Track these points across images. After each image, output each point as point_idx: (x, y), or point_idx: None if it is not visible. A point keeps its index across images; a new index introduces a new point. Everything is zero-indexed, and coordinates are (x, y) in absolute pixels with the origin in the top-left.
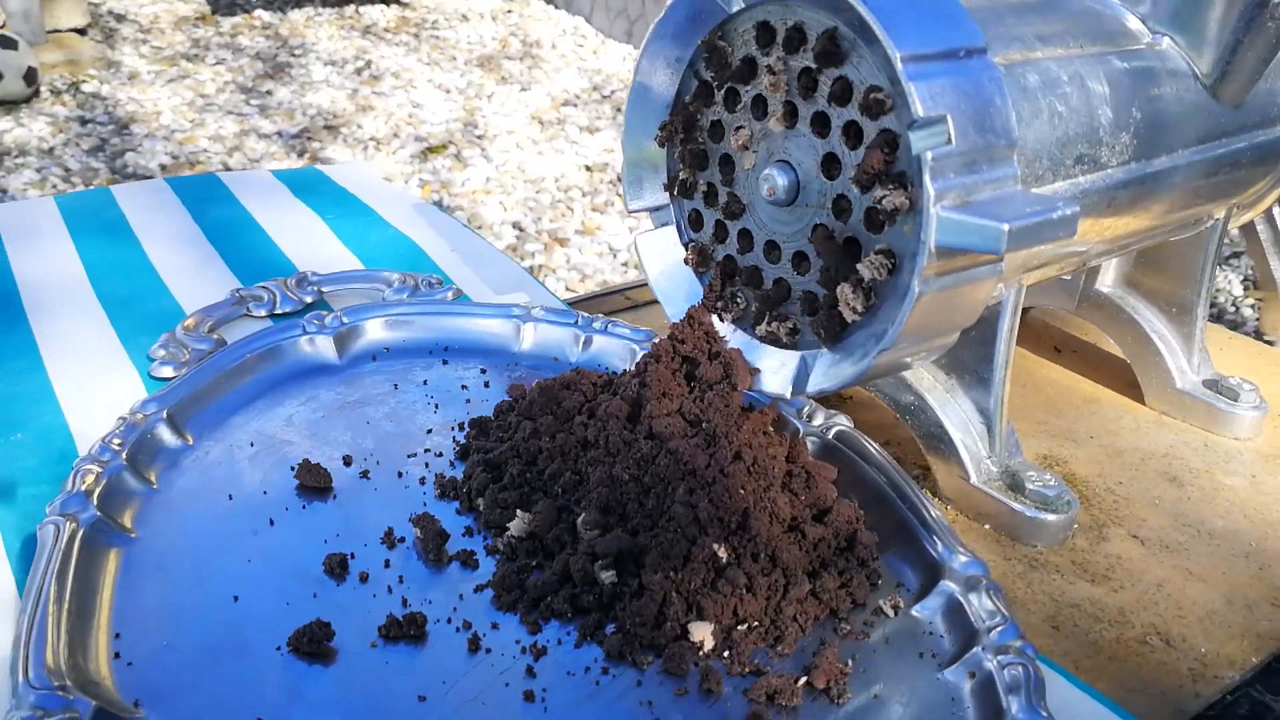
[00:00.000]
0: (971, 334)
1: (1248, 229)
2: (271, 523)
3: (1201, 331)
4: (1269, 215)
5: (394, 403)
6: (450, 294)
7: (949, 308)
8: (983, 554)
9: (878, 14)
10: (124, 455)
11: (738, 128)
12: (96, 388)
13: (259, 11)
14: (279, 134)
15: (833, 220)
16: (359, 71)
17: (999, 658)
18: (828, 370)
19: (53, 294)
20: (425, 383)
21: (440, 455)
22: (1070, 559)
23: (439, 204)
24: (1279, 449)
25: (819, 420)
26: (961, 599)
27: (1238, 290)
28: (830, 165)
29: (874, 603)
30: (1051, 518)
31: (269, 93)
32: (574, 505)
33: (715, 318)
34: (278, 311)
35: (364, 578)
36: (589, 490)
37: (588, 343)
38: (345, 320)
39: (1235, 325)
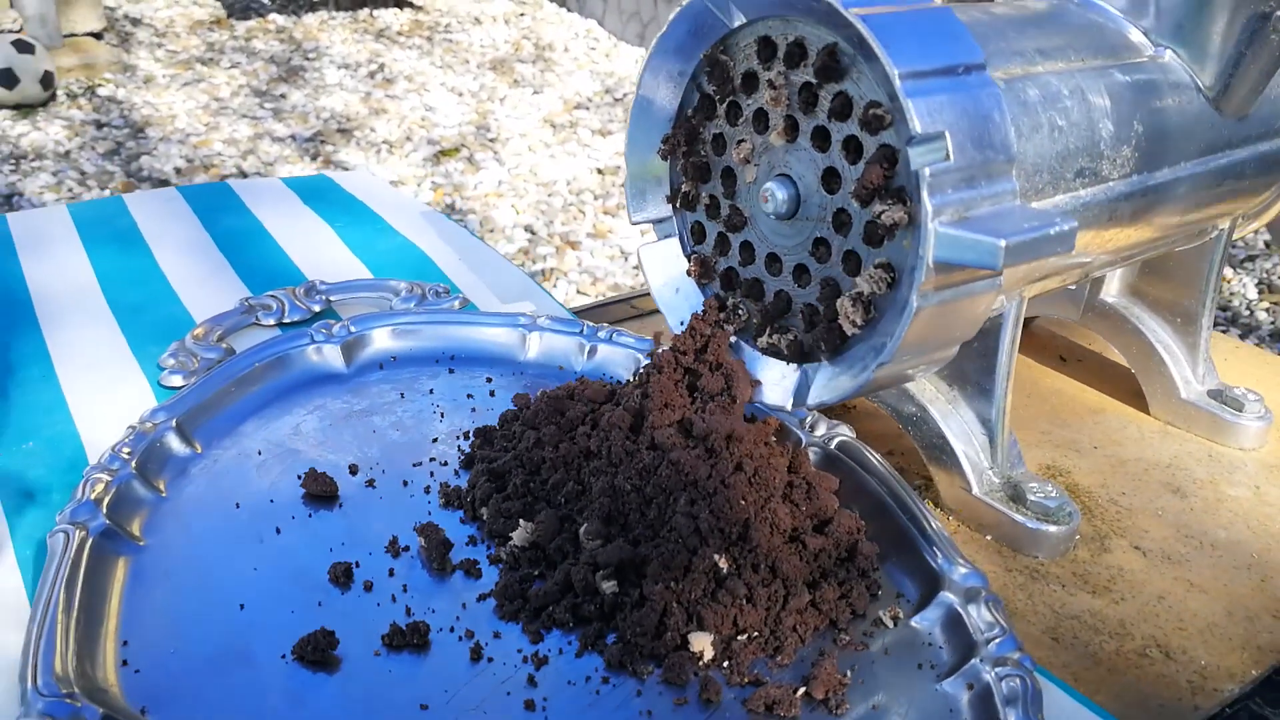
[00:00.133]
0: (974, 345)
1: (1276, 235)
2: (278, 531)
3: (1206, 341)
4: None
5: (400, 411)
6: (457, 303)
7: (948, 321)
8: (984, 565)
9: (876, 31)
10: (133, 464)
11: (739, 141)
12: (107, 396)
13: (273, 15)
14: (293, 137)
15: (833, 234)
16: (372, 75)
17: (997, 669)
18: (828, 383)
19: (65, 302)
20: (431, 391)
21: (445, 464)
22: (1071, 570)
23: (451, 207)
24: None
25: (821, 431)
26: (961, 610)
27: (1252, 294)
28: (831, 179)
29: (874, 613)
30: (1053, 529)
31: (283, 96)
32: (576, 515)
33: (717, 329)
34: (286, 320)
35: (368, 586)
36: (591, 500)
37: (592, 352)
38: (353, 329)
39: (1249, 330)
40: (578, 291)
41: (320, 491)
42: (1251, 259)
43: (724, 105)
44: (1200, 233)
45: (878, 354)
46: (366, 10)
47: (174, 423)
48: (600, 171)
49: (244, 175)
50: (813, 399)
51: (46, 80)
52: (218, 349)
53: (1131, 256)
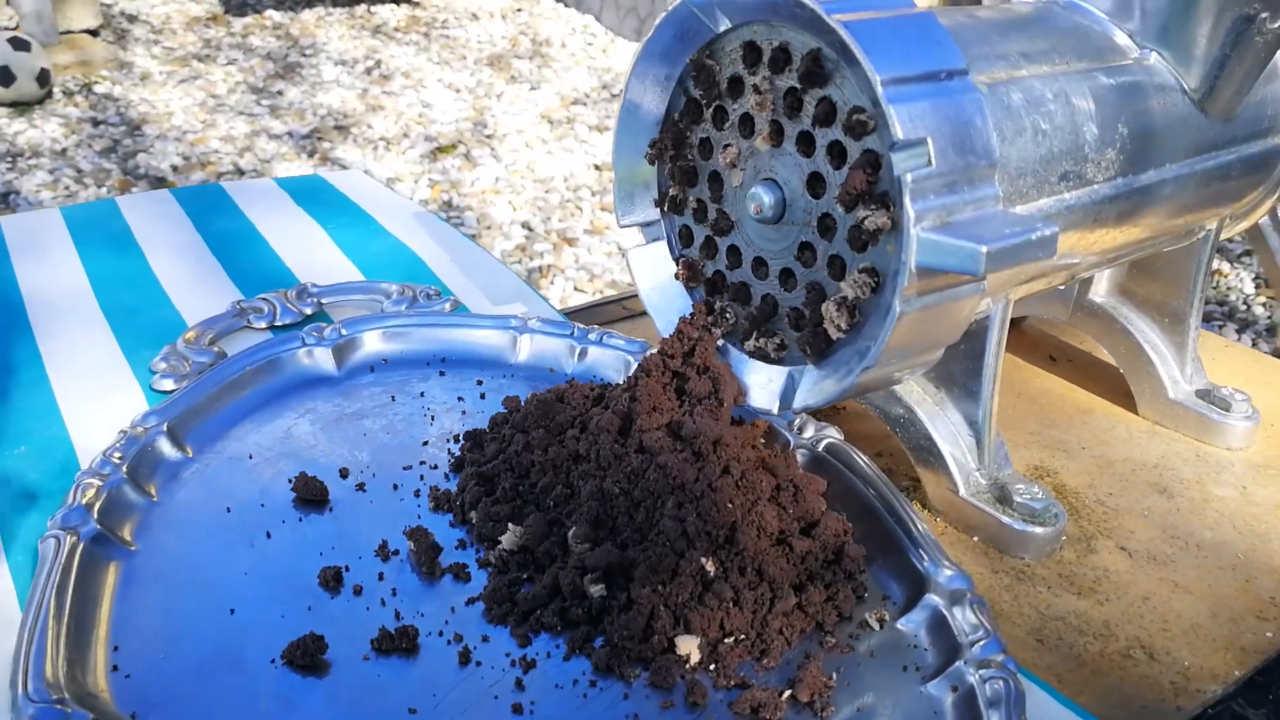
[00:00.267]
0: (960, 348)
1: (1254, 232)
2: (269, 535)
3: (1194, 341)
4: (1277, 219)
5: (391, 415)
6: (448, 305)
7: (932, 326)
8: (970, 566)
9: (858, 37)
10: (124, 469)
11: (726, 145)
12: (99, 401)
13: (270, 11)
14: (289, 134)
15: (818, 238)
16: (369, 71)
17: (981, 672)
18: (813, 386)
19: (58, 306)
20: (422, 394)
21: (435, 468)
22: (1057, 571)
23: (448, 204)
24: (1270, 459)
25: (809, 432)
26: (946, 613)
27: (1249, 288)
28: (815, 184)
29: (860, 616)
30: (1038, 530)
31: (280, 93)
32: (565, 519)
33: (704, 333)
34: (278, 323)
35: (358, 590)
36: (580, 504)
37: (583, 354)
38: (344, 332)
39: (1246, 324)
40: (575, 288)
41: (311, 496)
42: (1249, 253)
43: (710, 110)
44: (1187, 233)
45: (862, 358)
46: (363, 6)
47: (165, 427)
48: (597, 168)
49: (240, 172)
50: (798, 402)
51: (43, 78)
52: (209, 352)
53: (1118, 258)
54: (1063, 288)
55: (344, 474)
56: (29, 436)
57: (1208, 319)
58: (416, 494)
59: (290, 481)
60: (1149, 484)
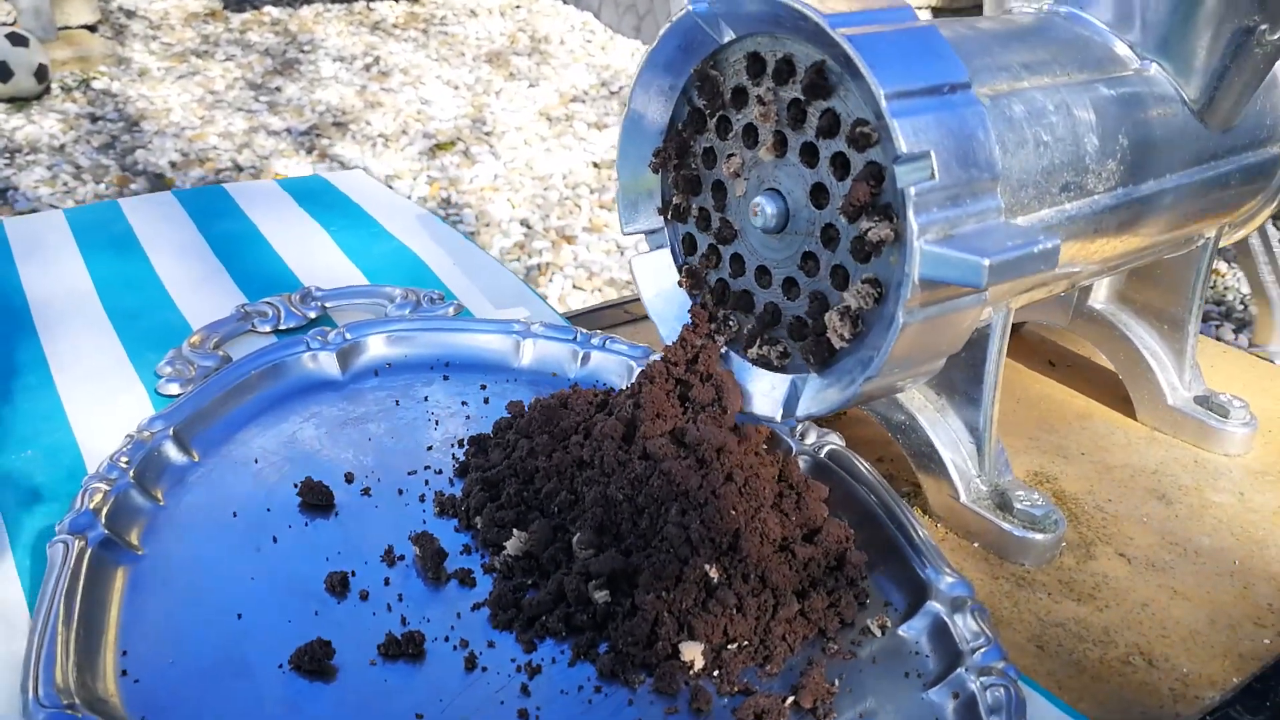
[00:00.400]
0: (962, 355)
1: (1240, 245)
2: (275, 540)
3: (1193, 347)
4: (1260, 228)
5: (395, 419)
6: (451, 309)
7: (934, 336)
8: (971, 572)
9: (862, 50)
10: (131, 473)
11: (729, 155)
12: (105, 405)
13: (268, 7)
14: (288, 131)
15: (821, 248)
16: (368, 68)
17: (982, 679)
18: (816, 395)
19: (62, 309)
20: (426, 399)
21: (440, 472)
22: (1057, 577)
23: (447, 201)
24: (1268, 466)
25: (811, 439)
26: (947, 619)
27: (1246, 288)
28: (819, 195)
29: (862, 622)
30: (1039, 537)
31: (278, 89)
32: (569, 525)
33: (707, 341)
34: (282, 327)
35: (364, 595)
36: (584, 510)
37: (586, 359)
38: (348, 336)
39: (1243, 325)
40: (573, 286)
41: (316, 500)
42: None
43: (714, 120)
44: (1187, 242)
45: (865, 367)
46: (362, 2)
47: (171, 431)
48: (596, 165)
49: (239, 169)
50: (801, 410)
51: (41, 73)
52: (214, 356)
53: (1118, 266)
54: (1063, 294)
55: (349, 479)
56: (35, 440)
57: (1204, 318)
58: (421, 499)
59: (296, 486)
60: (1148, 490)
